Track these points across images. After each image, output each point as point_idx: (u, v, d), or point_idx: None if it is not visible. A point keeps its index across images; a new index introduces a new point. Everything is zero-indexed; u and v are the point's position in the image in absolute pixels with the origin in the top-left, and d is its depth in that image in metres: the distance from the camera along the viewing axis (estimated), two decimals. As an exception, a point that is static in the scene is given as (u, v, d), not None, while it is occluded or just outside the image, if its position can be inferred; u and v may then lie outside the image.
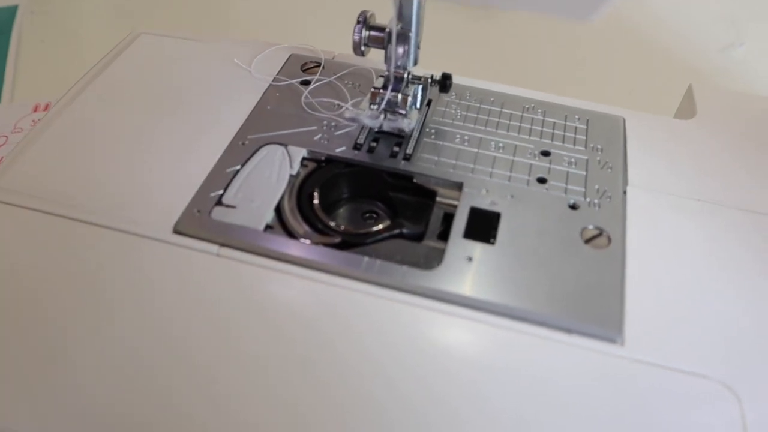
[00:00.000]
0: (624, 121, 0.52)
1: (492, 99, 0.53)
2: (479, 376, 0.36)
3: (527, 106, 0.52)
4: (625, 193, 0.46)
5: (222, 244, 0.41)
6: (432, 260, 0.42)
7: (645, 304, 0.39)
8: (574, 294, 0.39)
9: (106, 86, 0.53)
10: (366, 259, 0.40)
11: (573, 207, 0.44)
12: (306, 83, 0.53)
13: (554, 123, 0.51)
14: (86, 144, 0.47)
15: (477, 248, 0.41)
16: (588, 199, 0.45)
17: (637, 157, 0.49)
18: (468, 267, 0.40)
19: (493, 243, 0.42)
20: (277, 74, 0.54)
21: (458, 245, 0.41)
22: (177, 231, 0.42)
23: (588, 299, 0.39)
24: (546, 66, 0.84)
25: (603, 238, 0.43)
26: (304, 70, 0.55)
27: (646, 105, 0.60)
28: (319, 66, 0.55)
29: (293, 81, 0.53)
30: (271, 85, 0.53)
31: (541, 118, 0.51)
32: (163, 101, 0.51)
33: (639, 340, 0.37)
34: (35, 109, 0.78)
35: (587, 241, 0.42)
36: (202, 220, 0.42)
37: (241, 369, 0.36)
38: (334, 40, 0.55)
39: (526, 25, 0.91)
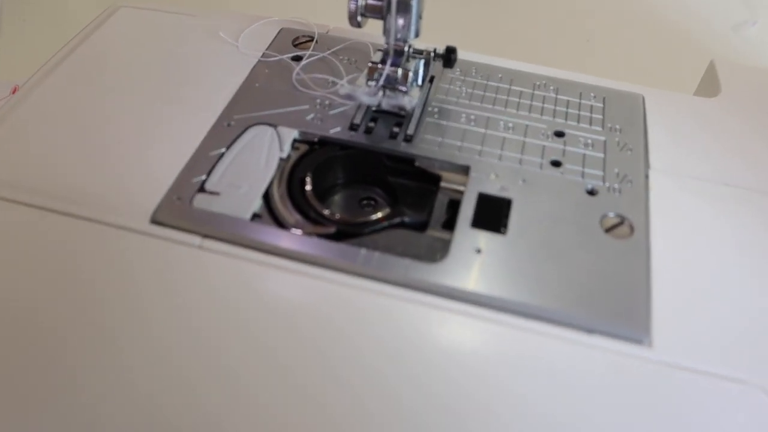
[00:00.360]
0: (643, 99, 0.48)
1: (500, 75, 0.49)
2: (489, 382, 0.32)
3: (538, 83, 0.48)
4: (647, 177, 0.42)
5: (205, 235, 0.37)
6: (436, 252, 0.38)
7: (673, 299, 0.36)
8: (594, 289, 0.35)
9: (79, 65, 0.48)
10: (363, 251, 0.36)
11: (591, 192, 0.40)
12: (298, 59, 0.49)
13: (568, 101, 0.47)
14: (57, 127, 0.43)
15: (486, 238, 0.37)
16: (607, 184, 0.41)
17: (658, 138, 0.45)
18: (476, 259, 0.36)
19: (503, 232, 0.38)
20: (267, 49, 0.50)
21: (465, 235, 0.37)
22: (155, 221, 0.38)
23: (610, 295, 0.35)
24: (557, 41, 0.79)
25: (625, 227, 0.39)
26: (295, 45, 0.51)
27: (660, 82, 0.56)
28: (311, 40, 0.51)
29: (284, 56, 0.49)
30: (259, 60, 0.49)
31: (554, 95, 0.47)
32: (142, 79, 0.47)
33: (668, 340, 0.34)
34: (14, 91, 0.74)
35: (608, 230, 0.38)
36: (183, 208, 0.38)
37: (223, 372, 0.32)
38: (329, 12, 0.51)
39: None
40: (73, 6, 0.85)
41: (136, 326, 0.34)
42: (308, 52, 0.49)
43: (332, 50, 0.50)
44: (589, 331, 0.34)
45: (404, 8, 0.41)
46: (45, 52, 0.55)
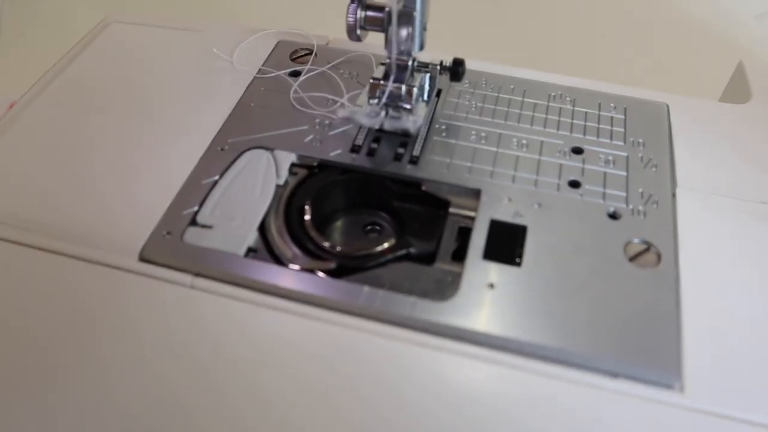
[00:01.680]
0: (668, 108, 0.44)
1: (512, 86, 0.46)
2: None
3: (553, 93, 0.45)
4: (674, 196, 0.39)
5: (196, 274, 0.35)
6: (446, 287, 0.35)
7: (706, 337, 0.33)
8: (619, 327, 0.32)
9: (68, 85, 0.46)
10: (366, 288, 0.34)
11: (613, 216, 0.37)
12: (296, 74, 0.46)
13: (586, 113, 0.44)
14: (41, 156, 0.41)
15: (499, 271, 0.35)
16: (631, 206, 0.38)
17: (686, 152, 0.41)
18: (489, 296, 0.33)
19: (518, 264, 0.35)
20: (263, 65, 0.47)
21: (477, 268, 0.35)
22: (143, 258, 0.35)
23: (637, 334, 0.32)
24: (571, 46, 0.76)
25: (651, 255, 0.36)
26: (293, 59, 0.48)
27: (686, 84, 0.53)
28: (310, 54, 0.48)
29: (281, 72, 0.46)
30: (255, 77, 0.46)
31: (571, 107, 0.44)
32: (131, 101, 0.44)
33: (702, 384, 0.31)
34: (10, 106, 0.72)
35: (632, 259, 0.35)
36: (173, 244, 0.36)
37: (218, 419, 0.30)
38: (328, 24, 0.48)
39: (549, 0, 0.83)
40: (72, 19, 0.82)
41: (126, 370, 0.32)
42: (307, 67, 0.46)
43: (332, 64, 0.47)
44: (614, 375, 0.31)
45: (407, 20, 0.38)
46: (43, 67, 0.53)
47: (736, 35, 0.79)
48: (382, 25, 0.39)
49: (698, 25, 0.80)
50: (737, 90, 0.48)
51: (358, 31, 0.40)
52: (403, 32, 0.39)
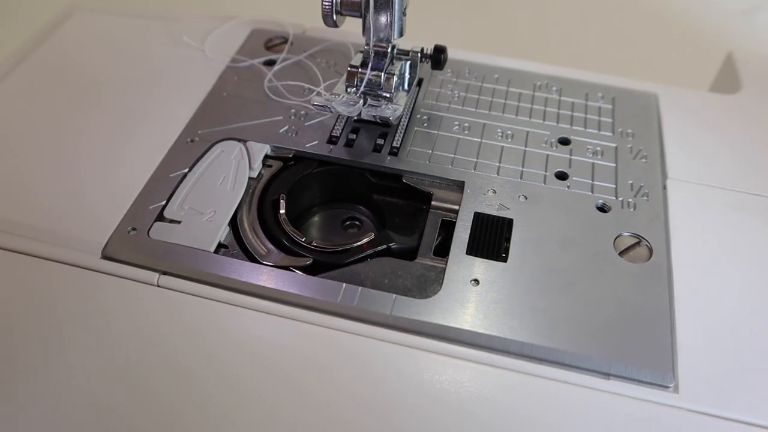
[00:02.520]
0: (657, 98, 0.43)
1: (496, 76, 0.44)
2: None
3: (539, 83, 0.43)
4: (665, 188, 0.37)
5: (163, 272, 0.33)
6: (428, 284, 0.33)
7: (700, 335, 0.31)
8: (610, 325, 0.31)
9: (28, 74, 0.44)
10: (344, 286, 0.32)
11: (602, 209, 0.36)
12: (271, 63, 0.44)
13: (573, 103, 0.42)
14: (1, 148, 0.39)
15: (484, 267, 0.33)
16: (620, 198, 0.36)
17: (676, 142, 0.40)
18: (473, 293, 0.32)
19: (504, 259, 0.33)
20: (236, 54, 0.45)
21: (460, 264, 0.33)
22: (106, 256, 0.33)
23: (629, 332, 0.30)
24: (557, 33, 0.74)
25: (642, 248, 0.34)
26: (268, 48, 0.46)
27: (673, 76, 0.52)
28: (285, 42, 0.46)
29: (255, 61, 0.44)
30: (228, 66, 0.44)
31: (557, 97, 0.42)
32: (97, 92, 0.42)
33: (696, 384, 0.30)
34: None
35: (623, 253, 0.34)
36: (138, 240, 0.34)
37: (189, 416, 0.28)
38: (304, 11, 0.46)
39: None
40: (35, 8, 0.79)
41: (91, 370, 0.30)
42: (282, 56, 0.44)
43: (309, 53, 0.45)
44: (606, 374, 0.30)
45: (385, 4, 0.37)
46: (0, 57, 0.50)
47: (724, 28, 0.79)
48: (359, 10, 0.37)
49: (686, 18, 0.79)
50: (726, 81, 0.47)
51: (335, 17, 0.38)
52: (382, 18, 0.37)
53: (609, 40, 0.75)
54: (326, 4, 0.37)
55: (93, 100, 0.42)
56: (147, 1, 0.56)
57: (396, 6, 0.37)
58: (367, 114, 0.37)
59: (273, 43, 0.46)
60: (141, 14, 0.48)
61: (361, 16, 0.38)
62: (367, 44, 0.38)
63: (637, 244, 0.34)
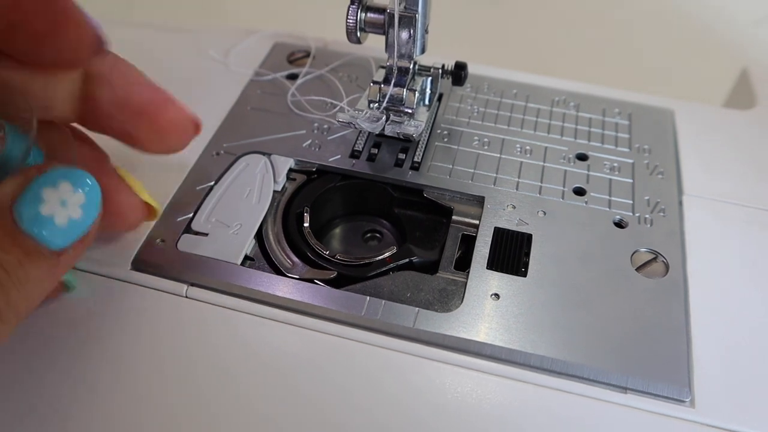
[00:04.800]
0: (673, 114, 0.43)
1: (515, 91, 0.45)
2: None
3: (557, 98, 0.44)
4: (681, 204, 0.38)
5: (191, 283, 0.34)
6: (449, 298, 0.34)
7: (716, 349, 0.32)
8: (627, 340, 0.31)
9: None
10: (368, 299, 0.33)
11: (619, 225, 0.36)
12: (293, 77, 0.45)
13: (590, 119, 0.43)
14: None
15: (504, 281, 0.34)
16: (637, 214, 0.37)
17: (692, 158, 0.41)
18: (494, 307, 0.32)
19: (524, 274, 0.34)
20: (259, 67, 0.46)
21: (481, 278, 0.34)
22: (136, 267, 0.34)
23: (646, 346, 0.31)
24: (574, 51, 0.75)
25: (658, 264, 0.35)
26: (290, 62, 0.47)
27: (687, 91, 0.52)
28: (308, 56, 0.46)
29: (278, 75, 0.45)
30: (251, 80, 0.45)
31: (575, 113, 0.43)
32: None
33: (712, 398, 0.30)
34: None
35: (639, 268, 0.34)
36: (167, 252, 0.35)
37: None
38: (326, 26, 0.47)
39: (551, 3, 0.82)
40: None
41: (119, 381, 0.30)
42: (304, 69, 0.45)
43: (331, 66, 0.46)
44: (623, 389, 0.30)
45: (408, 22, 0.37)
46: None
47: (736, 40, 0.79)
48: (382, 27, 0.38)
49: (698, 31, 0.79)
50: (742, 96, 0.47)
51: (358, 34, 0.39)
52: (404, 35, 0.38)
53: (623, 54, 0.75)
54: (350, 21, 0.38)
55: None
56: (169, 14, 0.57)
57: (419, 24, 0.38)
58: (390, 131, 0.37)
59: (295, 56, 0.47)
60: (165, 28, 0.49)
61: (384, 34, 0.39)
62: (390, 60, 0.39)
63: (654, 259, 0.35)
